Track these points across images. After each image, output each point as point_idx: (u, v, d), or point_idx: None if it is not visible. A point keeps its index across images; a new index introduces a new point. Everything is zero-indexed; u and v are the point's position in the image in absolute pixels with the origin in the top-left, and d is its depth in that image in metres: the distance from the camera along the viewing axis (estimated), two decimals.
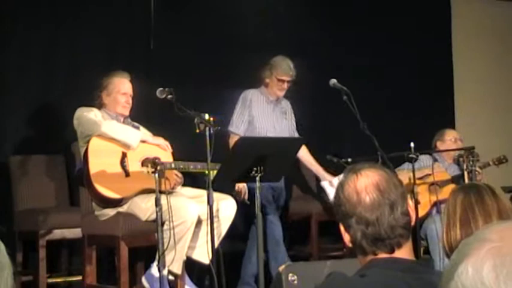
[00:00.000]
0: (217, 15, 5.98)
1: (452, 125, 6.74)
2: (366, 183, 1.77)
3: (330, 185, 5.15)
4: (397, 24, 6.87)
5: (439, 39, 7.30)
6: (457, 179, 5.55)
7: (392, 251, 1.75)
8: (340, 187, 1.81)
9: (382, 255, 1.75)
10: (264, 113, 5.17)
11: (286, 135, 5.21)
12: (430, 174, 5.45)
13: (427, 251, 5.31)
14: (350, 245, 1.81)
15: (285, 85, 5.16)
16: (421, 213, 5.11)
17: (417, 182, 4.92)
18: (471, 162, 5.01)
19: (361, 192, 1.76)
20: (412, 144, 4.88)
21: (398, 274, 1.70)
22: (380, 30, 6.78)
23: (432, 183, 5.56)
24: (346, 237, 1.80)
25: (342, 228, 1.82)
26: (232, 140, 4.98)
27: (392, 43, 6.82)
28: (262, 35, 6.03)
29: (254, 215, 4.53)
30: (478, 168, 5.17)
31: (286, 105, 5.35)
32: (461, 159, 5.12)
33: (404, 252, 1.77)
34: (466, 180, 5.04)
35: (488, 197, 2.16)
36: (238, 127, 5.12)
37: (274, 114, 5.23)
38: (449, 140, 5.78)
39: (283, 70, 5.13)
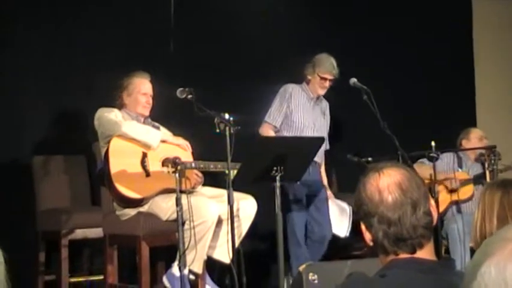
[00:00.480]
0: (236, 15, 5.99)
1: (473, 124, 6.69)
2: (388, 182, 1.75)
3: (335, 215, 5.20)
4: (417, 23, 6.84)
5: (460, 36, 7.26)
6: (478, 178, 5.52)
7: (413, 251, 1.74)
8: (362, 186, 1.79)
9: (404, 255, 1.74)
10: (304, 109, 5.16)
11: (324, 134, 5.21)
12: (448, 179, 5.44)
13: (447, 251, 5.28)
14: (371, 244, 1.80)
15: (327, 83, 5.15)
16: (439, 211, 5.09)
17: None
18: (493, 161, 4.98)
19: (383, 191, 1.74)
20: (433, 143, 4.86)
21: (419, 275, 1.69)
22: (400, 30, 6.75)
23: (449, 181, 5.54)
24: (367, 236, 1.79)
25: (363, 227, 1.80)
26: (266, 130, 5.08)
27: (412, 42, 6.78)
28: (285, 37, 6.03)
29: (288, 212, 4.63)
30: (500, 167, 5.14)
31: (326, 105, 5.36)
32: (482, 158, 5.09)
33: (426, 253, 1.75)
34: (488, 179, 5.01)
35: None
36: (276, 119, 5.12)
37: (314, 112, 5.22)
38: (474, 138, 5.73)
39: (326, 68, 5.11)
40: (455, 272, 1.78)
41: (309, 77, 5.18)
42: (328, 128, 5.35)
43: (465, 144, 5.73)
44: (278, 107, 5.13)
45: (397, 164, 1.86)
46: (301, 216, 5.10)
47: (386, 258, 1.77)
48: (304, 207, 5.12)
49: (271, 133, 5.11)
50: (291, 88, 5.16)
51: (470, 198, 5.53)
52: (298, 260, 4.86)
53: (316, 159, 4.92)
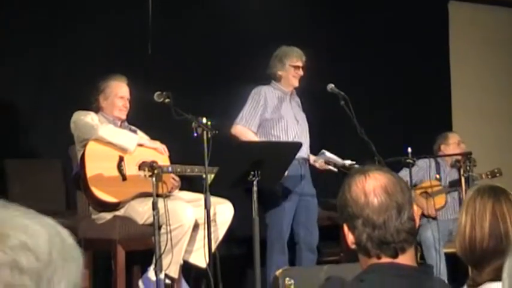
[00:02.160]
0: (215, 19, 5.99)
1: (449, 130, 6.74)
2: (374, 185, 1.76)
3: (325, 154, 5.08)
4: (394, 30, 6.89)
5: (437, 45, 7.32)
6: (453, 184, 5.57)
7: (396, 256, 1.74)
8: (347, 188, 1.79)
9: (385, 259, 1.75)
10: (282, 107, 5.02)
11: (306, 127, 5.09)
12: (426, 192, 5.51)
13: (422, 257, 5.32)
14: (353, 246, 1.80)
15: (300, 71, 5.03)
16: None
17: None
18: (468, 168, 5.02)
19: (369, 194, 1.75)
20: (409, 149, 4.89)
21: (398, 280, 1.70)
22: (376, 36, 6.79)
23: (424, 192, 5.60)
24: (350, 238, 1.79)
25: (345, 228, 1.80)
26: (240, 132, 4.89)
27: (389, 48, 6.83)
28: (262, 40, 6.03)
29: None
30: (481, 173, 5.20)
31: (298, 99, 5.21)
32: (458, 164, 5.13)
33: (407, 258, 1.76)
34: (463, 186, 5.05)
35: None
36: (249, 122, 4.94)
37: (293, 107, 5.10)
38: (453, 143, 5.77)
39: (296, 56, 5.01)
40: (434, 278, 1.79)
41: (280, 73, 5.02)
42: (306, 120, 5.19)
43: (444, 149, 5.77)
44: (251, 111, 4.97)
45: (382, 168, 1.86)
46: (288, 224, 4.95)
47: (368, 261, 1.77)
48: (292, 214, 4.97)
49: (246, 132, 4.92)
50: (264, 90, 5.01)
51: (443, 207, 5.59)
52: (278, 269, 4.82)
53: (303, 155, 4.89)
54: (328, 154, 5.04)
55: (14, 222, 0.85)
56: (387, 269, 1.73)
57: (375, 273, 1.72)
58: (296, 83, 5.05)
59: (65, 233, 0.90)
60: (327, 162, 4.98)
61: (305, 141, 5.00)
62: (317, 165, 5.04)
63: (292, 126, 4.98)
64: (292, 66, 5.01)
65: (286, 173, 4.64)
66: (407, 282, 1.68)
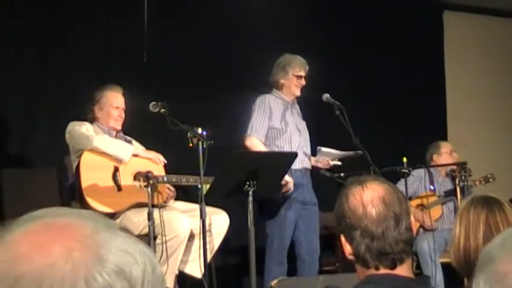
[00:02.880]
0: (211, 29, 5.99)
1: (444, 138, 6.75)
2: (372, 196, 1.75)
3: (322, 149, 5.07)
4: (389, 39, 6.90)
5: (431, 53, 7.33)
6: (449, 194, 5.57)
7: (394, 266, 1.74)
8: (345, 199, 1.79)
9: (383, 270, 1.74)
10: (285, 117, 4.99)
11: (307, 136, 5.07)
12: (422, 204, 5.51)
13: (418, 267, 5.31)
14: (350, 257, 1.79)
15: (303, 81, 5.00)
16: None
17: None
18: (463, 177, 5.02)
19: (367, 205, 1.75)
20: (404, 159, 4.89)
21: None
22: (372, 45, 6.80)
23: (419, 204, 5.60)
24: (347, 249, 1.79)
25: (343, 239, 1.80)
26: (254, 143, 4.86)
27: (385, 57, 6.84)
28: (259, 50, 6.03)
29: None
30: (474, 179, 5.20)
31: (297, 107, 5.18)
32: (453, 173, 5.13)
33: (405, 269, 1.76)
34: (458, 195, 5.05)
35: (510, 213, 2.11)
36: (258, 131, 4.89)
37: (294, 117, 5.07)
38: (445, 152, 5.78)
39: (299, 66, 4.98)
40: None
41: (282, 81, 4.99)
42: (306, 129, 5.17)
43: (436, 158, 5.77)
44: (259, 120, 4.93)
45: (379, 178, 1.87)
46: (290, 234, 4.89)
47: (366, 272, 1.77)
48: (294, 224, 4.92)
49: (259, 144, 4.88)
50: (267, 99, 4.98)
51: (440, 218, 5.59)
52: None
53: (305, 165, 4.91)
54: (324, 149, 5.04)
55: (114, 244, 0.81)
56: (385, 279, 1.72)
57: (372, 283, 1.72)
58: (298, 93, 5.03)
59: (155, 262, 0.86)
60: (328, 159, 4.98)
61: (306, 150, 5.00)
62: (320, 164, 5.03)
63: (295, 136, 4.97)
64: (294, 75, 4.99)
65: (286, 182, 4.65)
66: None
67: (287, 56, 5.05)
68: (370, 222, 1.73)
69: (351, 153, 4.88)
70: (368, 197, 1.75)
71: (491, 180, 5.55)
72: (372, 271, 1.75)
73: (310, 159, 5.05)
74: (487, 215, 2.07)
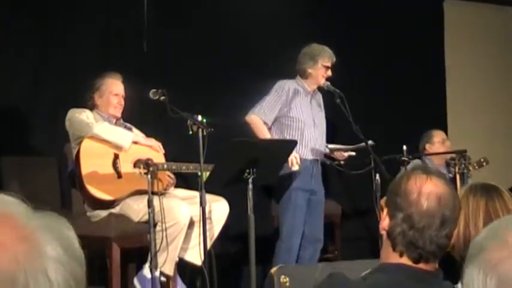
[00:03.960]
0: (211, 17, 5.98)
1: (443, 130, 6.75)
2: (431, 189, 1.75)
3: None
4: (389, 29, 6.89)
5: (432, 43, 7.32)
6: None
7: (418, 262, 1.74)
8: (405, 179, 1.79)
9: (405, 260, 1.75)
10: (303, 107, 4.99)
11: (324, 129, 5.08)
12: None
13: None
14: (383, 232, 1.80)
15: (330, 72, 5.01)
16: None
17: None
18: (463, 165, 5.03)
19: (422, 195, 1.74)
20: (404, 147, 4.90)
21: (406, 282, 1.70)
22: (371, 35, 6.79)
23: None
24: (384, 224, 1.79)
25: (385, 212, 1.81)
26: (256, 121, 4.87)
27: (384, 47, 6.83)
28: (259, 38, 6.03)
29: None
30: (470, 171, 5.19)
31: (320, 97, 5.19)
32: (452, 162, 5.14)
33: (427, 268, 1.76)
34: (458, 183, 5.05)
35: (509, 200, 2.12)
36: (266, 114, 4.90)
37: (313, 108, 5.07)
38: (437, 141, 5.81)
39: (328, 56, 5.01)
40: (443, 282, 1.79)
41: (310, 70, 4.99)
42: (325, 120, 5.18)
43: (429, 148, 5.79)
44: (272, 104, 4.92)
45: (445, 177, 1.85)
46: (301, 220, 4.92)
47: (390, 253, 1.77)
48: (304, 214, 4.95)
49: (261, 126, 4.90)
50: (288, 85, 4.97)
51: None
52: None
53: (316, 156, 4.94)
54: (331, 146, 5.05)
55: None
56: (397, 269, 1.73)
57: (381, 272, 1.72)
58: (323, 82, 5.01)
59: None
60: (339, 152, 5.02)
61: (321, 143, 5.01)
62: (337, 156, 5.06)
63: (309, 128, 4.97)
64: (324, 66, 5.00)
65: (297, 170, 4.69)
66: (415, 284, 1.68)
67: (315, 46, 5.07)
68: (416, 212, 1.73)
69: (361, 145, 4.88)
70: (427, 189, 1.75)
71: (484, 164, 5.53)
72: (395, 255, 1.75)
73: (324, 152, 5.05)
74: (487, 203, 2.08)
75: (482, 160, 5.57)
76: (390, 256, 1.77)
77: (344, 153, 5.05)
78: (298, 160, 4.73)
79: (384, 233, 1.80)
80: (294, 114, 4.95)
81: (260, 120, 4.90)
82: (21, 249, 0.77)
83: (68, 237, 0.85)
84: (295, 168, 4.72)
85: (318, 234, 5.01)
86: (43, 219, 0.85)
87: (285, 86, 4.97)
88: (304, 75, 5.02)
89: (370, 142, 4.72)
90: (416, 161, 5.64)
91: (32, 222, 0.81)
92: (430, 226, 1.73)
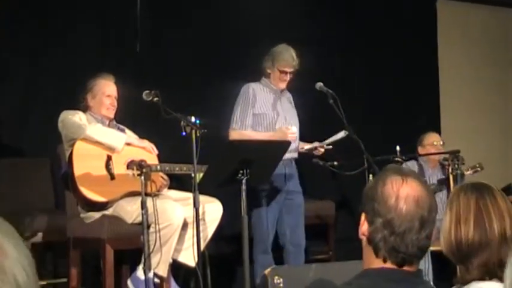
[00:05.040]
0: (204, 17, 5.98)
1: (437, 129, 6.76)
2: (408, 192, 1.73)
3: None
4: (382, 29, 6.90)
5: (425, 43, 7.34)
6: (441, 183, 5.59)
7: (401, 266, 1.74)
8: (381, 183, 1.76)
9: (389, 264, 1.74)
10: (270, 105, 4.94)
11: (297, 125, 5.00)
12: None
13: None
14: (362, 237, 1.78)
15: (287, 77, 4.94)
16: None
17: None
18: (456, 166, 5.04)
19: (401, 199, 1.73)
20: (398, 148, 4.90)
21: (389, 284, 1.70)
22: (364, 35, 6.80)
23: None
24: (363, 229, 1.77)
25: (363, 217, 1.78)
26: (234, 136, 4.83)
27: (377, 46, 6.84)
28: (252, 37, 6.02)
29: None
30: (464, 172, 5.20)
31: (290, 96, 5.14)
32: (446, 162, 5.15)
33: (410, 269, 1.76)
34: (451, 184, 5.06)
35: (500, 198, 2.13)
36: (244, 123, 4.87)
37: (283, 104, 5.01)
38: (427, 144, 5.84)
39: (285, 61, 4.90)
40: (425, 282, 1.79)
41: (269, 71, 4.96)
42: (297, 118, 5.12)
43: (420, 151, 5.83)
44: (243, 111, 4.90)
45: (421, 178, 1.84)
46: (273, 223, 4.89)
47: (373, 259, 1.76)
48: (277, 214, 4.91)
49: (244, 135, 4.85)
50: (251, 88, 4.93)
51: None
52: (263, 268, 4.80)
53: (292, 155, 4.89)
54: (307, 147, 5.00)
55: None
56: (381, 273, 1.72)
57: (366, 278, 1.72)
58: (282, 86, 4.98)
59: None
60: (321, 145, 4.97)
61: (295, 140, 4.97)
62: (315, 152, 4.98)
63: (279, 124, 4.92)
64: (279, 70, 4.94)
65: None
66: (398, 286, 1.68)
67: (281, 47, 4.98)
68: (396, 217, 1.72)
69: (338, 135, 4.84)
70: (404, 192, 1.73)
71: (479, 169, 5.56)
72: (379, 260, 1.74)
73: (297, 149, 5.01)
74: (477, 199, 2.09)
75: (477, 166, 5.59)
76: (374, 262, 1.76)
77: (320, 148, 4.98)
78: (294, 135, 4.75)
79: (363, 238, 1.78)
80: (263, 111, 4.91)
81: (241, 131, 4.87)
82: None
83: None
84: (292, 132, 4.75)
85: (298, 240, 4.97)
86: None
87: (248, 89, 4.94)
88: (266, 74, 5.01)
89: (342, 133, 4.71)
90: (411, 162, 5.68)
91: None
92: (411, 229, 1.72)
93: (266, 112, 4.93)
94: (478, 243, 1.99)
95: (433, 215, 1.76)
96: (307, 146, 4.99)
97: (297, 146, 5.02)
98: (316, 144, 4.95)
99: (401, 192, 1.73)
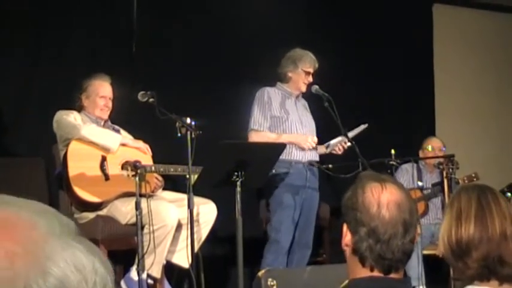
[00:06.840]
0: (200, 17, 5.97)
1: (432, 134, 6.77)
2: (389, 198, 1.72)
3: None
4: (378, 32, 6.90)
5: (421, 46, 7.35)
6: (436, 185, 5.61)
7: (388, 273, 1.73)
8: (360, 192, 1.74)
9: (376, 273, 1.72)
10: (286, 108, 4.94)
11: (314, 130, 5.02)
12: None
13: None
14: (346, 248, 1.76)
15: (311, 78, 4.97)
16: None
17: None
18: (451, 170, 5.05)
19: (382, 206, 1.71)
20: (392, 151, 4.91)
21: None
22: (361, 38, 6.80)
23: None
24: (346, 240, 1.76)
25: (345, 228, 1.77)
26: (256, 136, 4.84)
27: (373, 50, 6.84)
28: (249, 39, 6.02)
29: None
30: (458, 177, 5.22)
31: (304, 101, 5.15)
32: (441, 166, 5.17)
33: (397, 276, 1.75)
34: (446, 188, 5.07)
35: (502, 198, 2.13)
36: (262, 124, 4.87)
37: (299, 109, 5.03)
38: (425, 148, 5.88)
39: (310, 62, 4.96)
40: None
41: (290, 75, 4.97)
42: (313, 123, 5.12)
43: (421, 155, 5.89)
44: (261, 112, 4.89)
45: (398, 183, 1.83)
46: (290, 224, 4.86)
47: (359, 269, 1.74)
48: (293, 215, 4.87)
49: (265, 136, 4.85)
50: (266, 91, 4.94)
51: (423, 214, 5.63)
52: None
53: (311, 158, 4.90)
54: (333, 141, 4.98)
55: (63, 256, 0.72)
56: (369, 282, 1.71)
57: None
58: (304, 89, 5.00)
59: (108, 280, 0.76)
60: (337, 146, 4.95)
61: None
62: (337, 152, 4.98)
63: (297, 126, 4.94)
64: (304, 71, 4.97)
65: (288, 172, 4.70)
66: None
67: (298, 50, 5.03)
68: (380, 224, 1.70)
69: (360, 128, 4.85)
70: (385, 199, 1.72)
71: (475, 179, 5.59)
72: (366, 269, 1.73)
73: (317, 154, 5.00)
74: (479, 197, 2.08)
75: (473, 175, 5.61)
76: (360, 271, 1.74)
77: (344, 144, 4.96)
78: (313, 144, 4.79)
79: (346, 249, 1.76)
80: (279, 114, 4.92)
81: (261, 133, 4.87)
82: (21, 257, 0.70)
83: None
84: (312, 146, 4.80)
85: (307, 241, 4.97)
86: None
87: (263, 93, 4.94)
88: (285, 79, 5.01)
89: (363, 126, 4.76)
90: (408, 165, 5.71)
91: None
92: (396, 235, 1.71)
93: (282, 115, 4.93)
94: (478, 239, 1.98)
95: (415, 218, 1.75)
96: (333, 141, 4.96)
97: (316, 153, 5.01)
98: (340, 138, 4.92)
99: (382, 198, 1.72)
